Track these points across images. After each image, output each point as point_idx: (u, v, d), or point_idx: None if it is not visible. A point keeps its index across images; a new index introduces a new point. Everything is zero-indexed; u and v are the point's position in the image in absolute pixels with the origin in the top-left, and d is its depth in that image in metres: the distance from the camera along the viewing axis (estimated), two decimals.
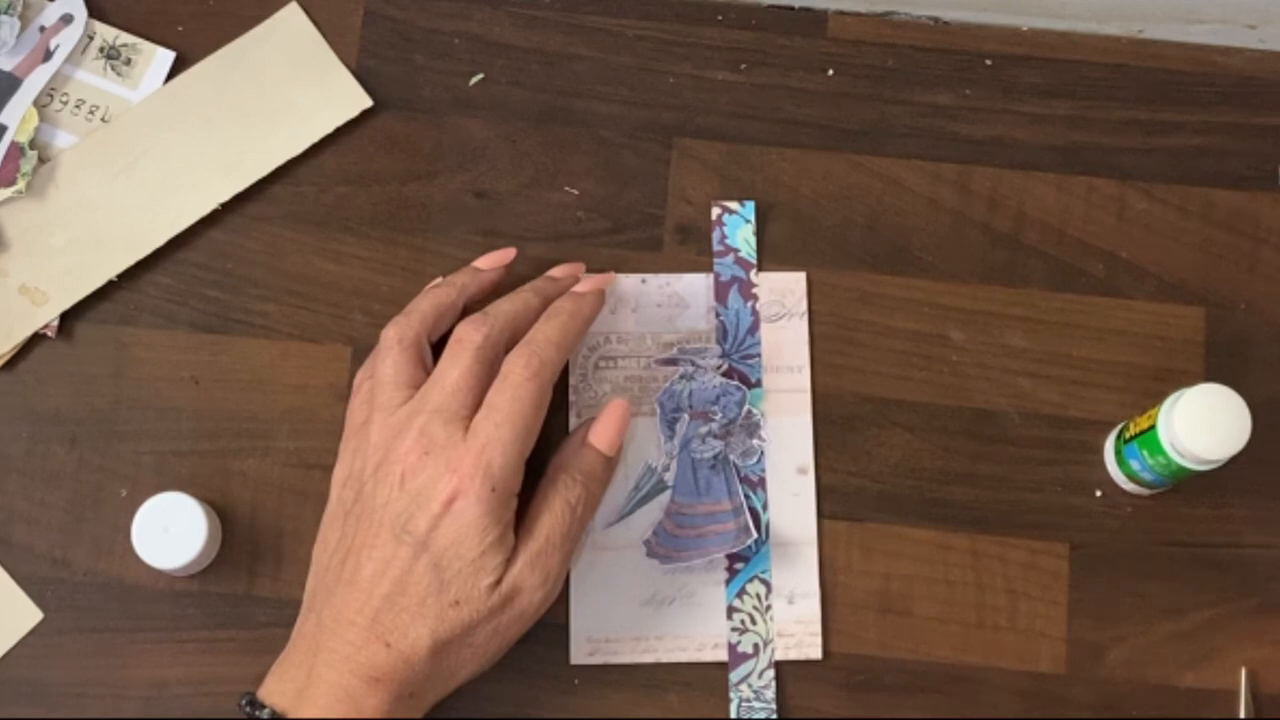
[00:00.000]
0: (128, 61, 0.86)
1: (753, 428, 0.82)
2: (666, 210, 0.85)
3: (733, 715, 0.79)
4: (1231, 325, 0.85)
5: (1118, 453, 0.81)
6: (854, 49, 0.88)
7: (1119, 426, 0.81)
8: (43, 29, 0.85)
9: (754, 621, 0.80)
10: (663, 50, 0.87)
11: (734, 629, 0.80)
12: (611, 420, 0.77)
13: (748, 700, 0.79)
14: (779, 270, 0.84)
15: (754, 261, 0.84)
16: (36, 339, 0.83)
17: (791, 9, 0.88)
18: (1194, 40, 0.88)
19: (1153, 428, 0.77)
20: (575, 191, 0.86)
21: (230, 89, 0.85)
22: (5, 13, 0.85)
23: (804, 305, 0.84)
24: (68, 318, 0.83)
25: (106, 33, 0.86)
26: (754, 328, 0.83)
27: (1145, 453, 0.78)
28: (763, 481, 0.82)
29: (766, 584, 0.81)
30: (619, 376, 0.83)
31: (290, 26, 0.86)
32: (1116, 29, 0.88)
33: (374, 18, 0.87)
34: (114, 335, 0.83)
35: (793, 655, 0.80)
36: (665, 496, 0.81)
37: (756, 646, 0.80)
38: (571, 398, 0.82)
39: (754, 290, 0.84)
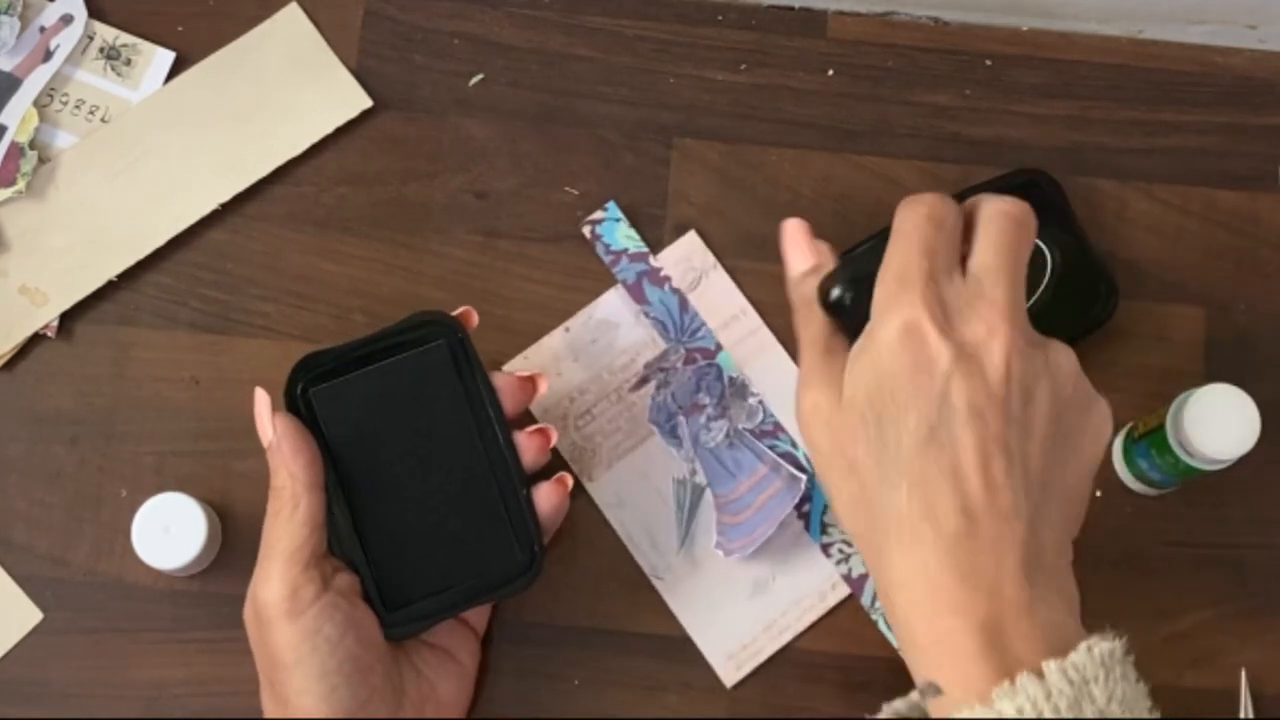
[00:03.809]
0: (128, 61, 0.85)
1: (742, 389, 0.82)
2: (666, 210, 0.85)
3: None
4: (1231, 325, 0.84)
5: (1126, 453, 0.81)
6: (854, 49, 0.88)
7: (1126, 427, 0.81)
8: (43, 29, 0.85)
9: (849, 544, 0.80)
10: (663, 50, 0.87)
11: (838, 561, 0.80)
12: None
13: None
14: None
15: (646, 249, 0.84)
16: (36, 339, 0.83)
17: (791, 9, 0.88)
18: (1194, 40, 0.88)
19: (1161, 427, 0.77)
20: (575, 191, 0.85)
21: (230, 89, 0.85)
22: (5, 13, 0.85)
23: (710, 257, 0.84)
24: (68, 318, 0.83)
25: (106, 33, 0.86)
26: (684, 304, 0.83)
27: (1154, 452, 0.77)
28: (778, 425, 0.82)
29: None
30: (602, 422, 0.82)
31: (290, 27, 0.86)
32: (1116, 29, 0.88)
33: (374, 18, 0.87)
34: (114, 335, 0.83)
35: None
36: (707, 497, 0.81)
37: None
38: (575, 467, 0.81)
39: (662, 274, 0.84)
